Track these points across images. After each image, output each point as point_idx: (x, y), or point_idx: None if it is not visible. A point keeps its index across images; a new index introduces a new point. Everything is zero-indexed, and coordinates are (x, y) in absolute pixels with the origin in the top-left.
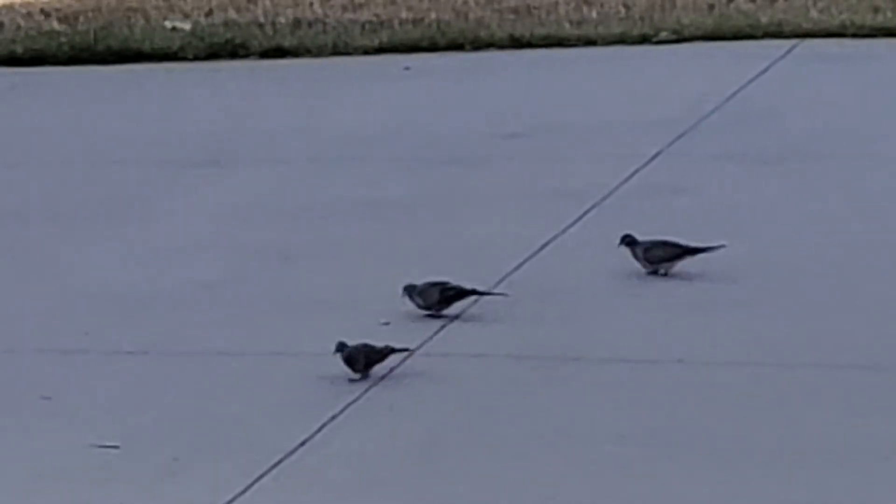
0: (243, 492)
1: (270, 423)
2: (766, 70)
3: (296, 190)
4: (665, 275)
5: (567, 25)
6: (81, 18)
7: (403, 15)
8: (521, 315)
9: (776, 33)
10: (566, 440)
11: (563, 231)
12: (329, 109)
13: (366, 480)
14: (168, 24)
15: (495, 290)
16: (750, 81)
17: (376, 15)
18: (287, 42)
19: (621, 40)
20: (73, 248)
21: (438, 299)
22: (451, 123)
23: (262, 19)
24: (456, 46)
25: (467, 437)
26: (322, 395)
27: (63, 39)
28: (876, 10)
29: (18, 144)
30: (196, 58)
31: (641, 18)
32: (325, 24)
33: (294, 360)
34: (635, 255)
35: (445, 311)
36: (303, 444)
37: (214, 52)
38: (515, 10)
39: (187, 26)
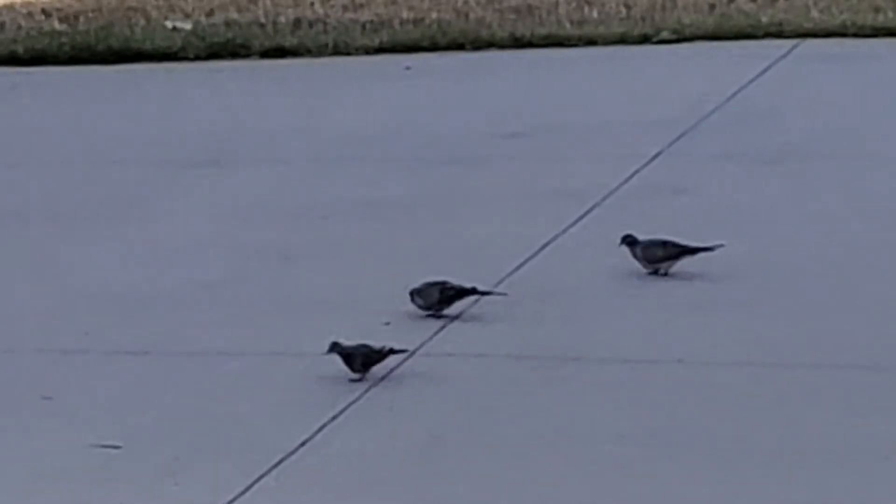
0: (244, 492)
1: (271, 423)
2: (766, 70)
3: (296, 190)
4: (665, 274)
5: (568, 25)
6: (82, 18)
7: (404, 15)
8: (522, 315)
9: (777, 33)
10: (566, 440)
11: (564, 231)
12: (330, 109)
13: (366, 480)
14: (169, 23)
15: (495, 290)
16: (750, 81)
17: (377, 15)
18: (288, 42)
19: (622, 40)
20: (74, 247)
21: (438, 299)
22: (452, 123)
23: (262, 19)
24: (457, 46)
25: (468, 437)
26: (322, 396)
27: (64, 39)
28: (877, 10)
29: (19, 144)
30: (197, 58)
31: (642, 18)
32: (325, 23)
33: (294, 361)
34: (635, 255)
35: (446, 311)
36: (303, 444)
37: (215, 52)
38: (516, 10)
39: (188, 26)
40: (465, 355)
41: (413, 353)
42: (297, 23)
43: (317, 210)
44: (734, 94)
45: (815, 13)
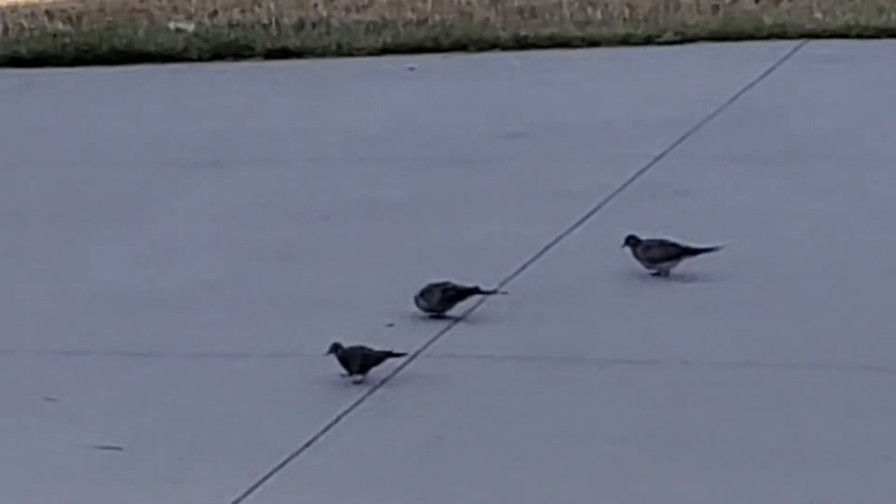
0: (246, 493)
1: (273, 424)
2: (770, 71)
3: (298, 190)
4: (665, 275)
5: (571, 26)
6: (85, 19)
7: (407, 16)
8: (524, 316)
9: (780, 34)
10: (568, 440)
11: (566, 232)
12: (332, 110)
13: (369, 481)
14: (172, 25)
15: (497, 290)
16: (754, 82)
17: (380, 16)
18: (291, 43)
19: (625, 41)
20: (75, 248)
21: (440, 299)
22: (455, 124)
23: (266, 20)
24: (460, 47)
25: (470, 437)
26: (325, 397)
27: (67, 40)
28: (880, 10)
29: (21, 145)
30: (200, 59)
31: (645, 19)
32: (329, 24)
33: (296, 361)
34: (636, 256)
35: (448, 312)
36: (306, 445)
37: (218, 53)
38: (520, 11)
39: (191, 27)
40: (467, 356)
41: (416, 354)
42: (300, 24)
43: (319, 210)
44: (737, 96)
45: (818, 14)
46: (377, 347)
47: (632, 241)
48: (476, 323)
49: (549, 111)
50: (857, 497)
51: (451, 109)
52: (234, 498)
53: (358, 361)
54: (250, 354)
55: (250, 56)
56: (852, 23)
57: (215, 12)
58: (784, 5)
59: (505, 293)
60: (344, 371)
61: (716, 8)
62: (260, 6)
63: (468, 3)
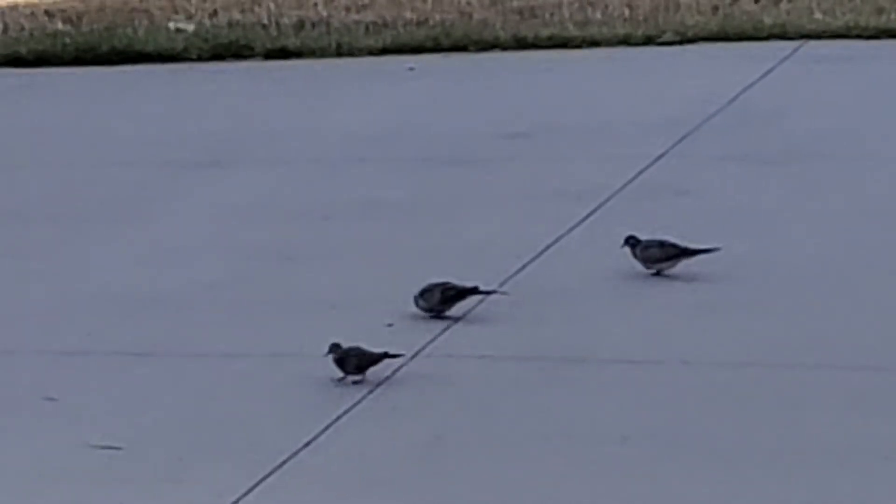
0: (246, 493)
1: (273, 424)
2: (769, 71)
3: (298, 190)
4: (661, 274)
5: (571, 26)
6: (85, 19)
7: (407, 16)
8: (525, 316)
9: (780, 35)
10: (568, 441)
11: (567, 232)
12: (332, 110)
13: (369, 481)
14: (172, 25)
15: (497, 290)
16: (754, 83)
17: (380, 16)
18: (291, 43)
19: (625, 41)
20: (76, 248)
21: (440, 299)
22: (455, 124)
23: (265, 20)
24: (460, 47)
25: (470, 437)
26: (325, 396)
27: (67, 40)
28: (880, 11)
29: (21, 145)
30: (200, 59)
31: (645, 19)
32: (328, 24)
33: (297, 361)
34: (635, 255)
35: (448, 312)
36: (306, 445)
37: (218, 53)
38: (519, 12)
39: (191, 27)
40: (467, 356)
41: (415, 354)
42: (300, 24)
43: (319, 210)
44: (737, 96)
45: (818, 14)
46: (377, 347)
47: (631, 241)
48: (476, 323)
49: (549, 111)
50: (857, 497)
51: (451, 109)
52: (234, 498)
53: (354, 362)
54: (250, 354)
55: (250, 56)
56: (852, 23)
57: (215, 12)
58: (784, 6)
59: (505, 293)
60: (340, 373)
61: (716, 8)
62: (260, 6)
63: (468, 3)
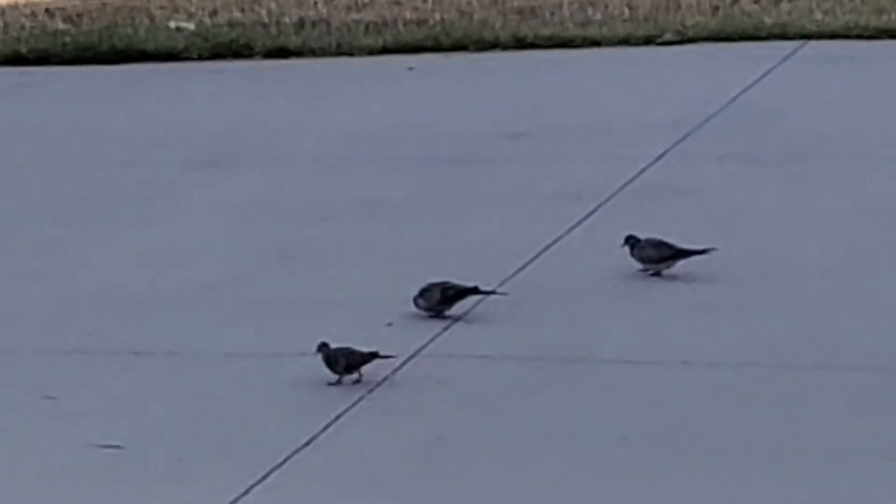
0: (246, 492)
1: (273, 423)
2: (770, 71)
3: (299, 190)
4: (660, 275)
5: (571, 26)
6: (86, 18)
7: (407, 15)
8: (525, 316)
9: (780, 35)
10: (568, 441)
11: (567, 232)
12: (332, 110)
13: (369, 481)
14: (172, 24)
15: (497, 290)
16: (754, 83)
17: (380, 15)
18: (291, 42)
19: (625, 41)
20: (76, 248)
21: (440, 299)
22: (455, 124)
23: (266, 19)
24: (460, 47)
25: (470, 437)
26: (325, 396)
27: (67, 39)
28: (880, 11)
29: (22, 144)
30: (200, 58)
31: (646, 19)
32: (329, 24)
33: (296, 361)
34: (633, 255)
35: (448, 312)
36: (306, 444)
37: (218, 53)
38: (520, 11)
39: (191, 26)
40: (467, 356)
41: (415, 354)
42: (300, 23)
43: (319, 210)
44: (737, 96)
45: (818, 15)
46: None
47: (631, 241)
48: (475, 323)
49: (549, 111)
50: (857, 497)
51: (451, 109)
52: (234, 497)
53: (343, 362)
54: (250, 354)
55: (250, 55)
56: (852, 23)
57: (215, 11)
58: (784, 6)
59: (505, 293)
60: (332, 376)
61: (716, 8)
62: (260, 5)
63: (468, 3)
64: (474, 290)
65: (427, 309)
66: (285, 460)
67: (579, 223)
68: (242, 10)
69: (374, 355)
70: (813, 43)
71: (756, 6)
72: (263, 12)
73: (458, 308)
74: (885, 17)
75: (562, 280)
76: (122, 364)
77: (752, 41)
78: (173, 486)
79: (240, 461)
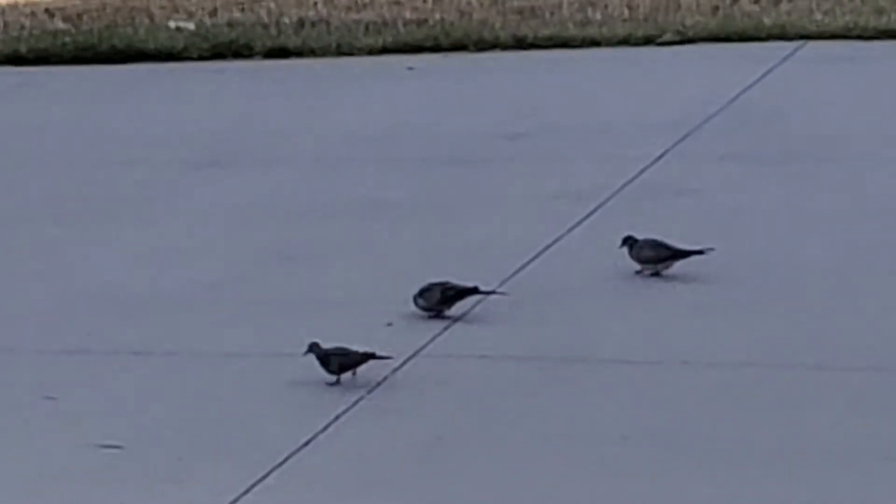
0: (246, 492)
1: (273, 423)
2: (769, 72)
3: (299, 190)
4: (659, 275)
5: (571, 26)
6: (85, 18)
7: (407, 15)
8: (525, 316)
9: (780, 35)
10: (568, 441)
11: (567, 232)
12: (332, 110)
13: (368, 481)
14: (172, 23)
15: (497, 290)
16: (754, 83)
17: (380, 15)
18: (291, 42)
19: (625, 41)
20: (76, 248)
21: (440, 299)
22: (455, 124)
23: (266, 19)
24: (460, 47)
25: (470, 437)
26: (325, 396)
27: (67, 39)
28: (880, 12)
29: (21, 144)
30: (200, 58)
31: (645, 20)
32: (328, 24)
33: (297, 361)
34: (631, 256)
35: (448, 312)
36: (306, 444)
37: (218, 52)
38: (519, 11)
39: (191, 26)
40: (467, 356)
41: (415, 354)
42: (300, 23)
43: (319, 210)
44: (737, 96)
45: (818, 15)
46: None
47: (629, 242)
48: (475, 323)
49: (549, 111)
50: (857, 497)
51: (451, 109)
52: (234, 497)
53: (336, 362)
54: (250, 354)
55: (250, 55)
56: (852, 24)
57: (215, 11)
58: (784, 6)
59: (505, 293)
60: (327, 376)
61: (716, 8)
62: (260, 5)
63: (468, 3)
64: (474, 290)
65: (427, 309)
66: (285, 460)
67: (579, 223)
68: (242, 10)
69: (369, 356)
70: (813, 43)
71: (756, 6)
72: (263, 12)
73: (458, 308)
74: (884, 18)
75: (562, 280)
76: (122, 364)
77: (751, 41)
78: (173, 486)
79: (240, 461)
